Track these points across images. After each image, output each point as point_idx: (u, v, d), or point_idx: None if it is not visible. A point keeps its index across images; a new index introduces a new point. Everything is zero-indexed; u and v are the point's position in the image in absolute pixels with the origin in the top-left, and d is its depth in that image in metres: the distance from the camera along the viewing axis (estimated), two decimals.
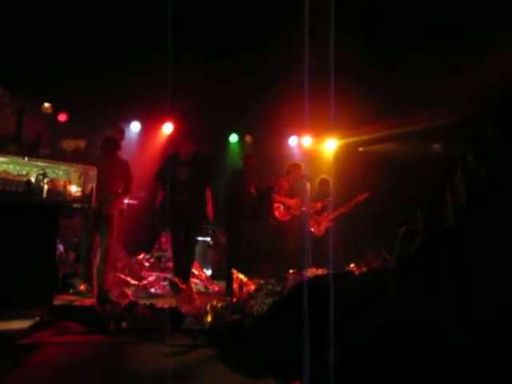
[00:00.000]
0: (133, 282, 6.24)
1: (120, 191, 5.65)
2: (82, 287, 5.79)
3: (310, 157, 8.98)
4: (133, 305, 4.31)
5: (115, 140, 5.76)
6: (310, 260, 6.13)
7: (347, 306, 3.26)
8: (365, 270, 4.45)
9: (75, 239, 6.67)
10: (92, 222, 5.46)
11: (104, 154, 5.62)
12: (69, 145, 4.97)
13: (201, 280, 6.92)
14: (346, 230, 7.66)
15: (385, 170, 8.03)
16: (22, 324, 3.69)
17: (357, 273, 4.20)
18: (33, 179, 4.20)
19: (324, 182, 7.57)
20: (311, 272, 4.28)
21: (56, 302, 4.50)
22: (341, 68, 4.27)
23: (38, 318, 3.79)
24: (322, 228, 7.31)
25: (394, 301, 3.15)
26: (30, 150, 4.43)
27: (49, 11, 6.15)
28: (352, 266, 5.79)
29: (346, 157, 8.99)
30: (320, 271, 4.30)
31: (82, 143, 5.01)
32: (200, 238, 7.98)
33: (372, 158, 8.79)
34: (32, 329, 3.65)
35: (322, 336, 3.18)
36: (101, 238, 5.48)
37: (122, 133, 5.88)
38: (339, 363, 2.61)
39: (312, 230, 7.19)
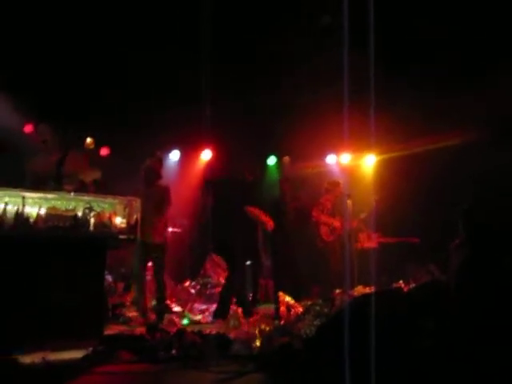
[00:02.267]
0: (179, 309, 6.29)
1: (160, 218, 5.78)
2: (130, 316, 5.91)
3: (350, 174, 8.89)
4: (181, 332, 4.34)
5: (155, 170, 5.89)
6: (355, 279, 6.05)
7: (397, 324, 3.20)
8: (413, 285, 4.36)
9: (122, 270, 6.82)
10: (142, 252, 5.59)
11: (146, 185, 5.76)
12: (87, 176, 5.15)
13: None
14: (390, 247, 7.51)
15: (425, 185, 7.86)
16: (75, 354, 3.78)
17: (406, 289, 4.12)
18: (79, 213, 4.35)
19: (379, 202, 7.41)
20: (358, 291, 4.22)
21: (107, 332, 4.59)
22: (379, 83, 4.27)
23: (90, 349, 3.88)
24: (370, 246, 7.18)
25: (451, 313, 3.07)
26: (56, 185, 4.64)
27: (85, 45, 6.41)
28: (400, 282, 5.69)
29: (386, 172, 8.85)
30: (367, 289, 4.23)
31: (98, 174, 5.20)
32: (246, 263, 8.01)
33: (412, 173, 8.63)
34: (85, 359, 3.74)
35: (373, 357, 3.12)
36: (155, 266, 5.59)
37: (160, 161, 6.02)
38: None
39: (362, 242, 7.08)
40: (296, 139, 8.38)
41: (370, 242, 7.20)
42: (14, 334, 3.72)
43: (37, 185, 4.68)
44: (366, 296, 3.76)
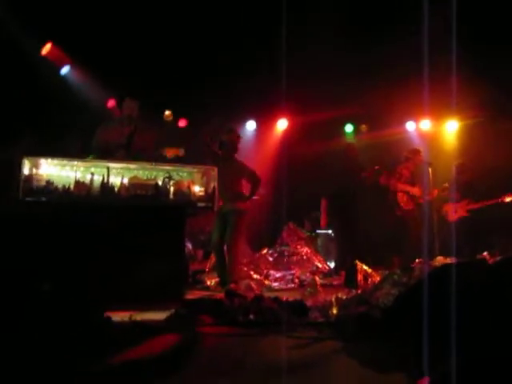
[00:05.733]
0: (257, 276, 6.39)
1: (246, 192, 5.88)
2: (208, 282, 6.09)
3: (430, 141, 8.50)
4: (259, 298, 4.40)
5: (233, 143, 5.96)
6: (436, 249, 5.84)
7: (481, 297, 3.05)
8: (499, 258, 4.13)
9: (202, 237, 7.00)
10: (222, 219, 5.72)
11: (222, 157, 5.85)
12: (169, 152, 5.29)
13: (325, 273, 6.91)
14: (477, 220, 7.12)
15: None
16: (159, 316, 3.96)
17: (490, 261, 3.91)
18: (160, 182, 4.49)
19: (463, 168, 7.07)
20: (439, 261, 4.06)
21: (188, 297, 4.76)
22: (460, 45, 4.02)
23: (173, 311, 4.05)
24: (457, 216, 6.86)
25: None
26: (136, 157, 4.82)
27: (162, 23, 6.52)
28: (485, 254, 5.41)
29: (471, 138, 8.38)
30: (448, 260, 4.06)
31: (181, 151, 5.32)
32: (321, 231, 7.99)
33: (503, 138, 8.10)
34: (168, 320, 3.91)
35: (453, 329, 3.01)
36: (228, 232, 5.71)
37: (237, 135, 6.09)
38: (472, 360, 2.46)
39: (447, 215, 6.80)
40: (373, 106, 8.15)
41: (458, 212, 6.86)
42: (107, 294, 3.93)
43: (107, 153, 4.88)
44: (446, 266, 3.60)
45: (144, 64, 6.97)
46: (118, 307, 3.89)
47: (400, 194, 6.75)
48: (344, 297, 4.55)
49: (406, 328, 3.28)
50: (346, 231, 6.61)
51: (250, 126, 9.26)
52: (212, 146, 5.82)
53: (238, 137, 6.10)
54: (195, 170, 4.70)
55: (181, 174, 4.62)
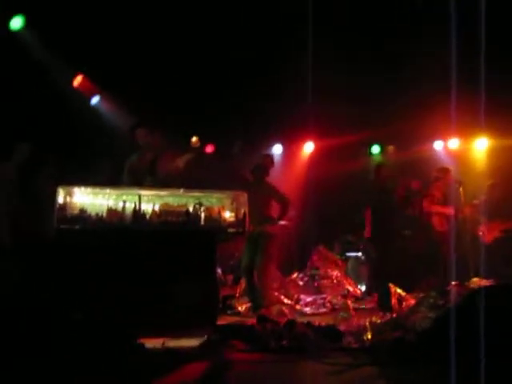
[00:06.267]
0: (288, 301, 6.34)
1: (276, 215, 5.90)
2: (239, 308, 6.06)
3: (459, 160, 8.37)
4: (292, 323, 4.36)
5: (265, 167, 6.06)
6: (471, 271, 5.70)
7: None
8: None
9: (231, 262, 6.99)
10: (252, 243, 5.74)
11: (254, 181, 5.91)
12: (180, 161, 5.41)
13: (356, 297, 6.80)
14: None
15: None
16: (192, 342, 3.95)
17: None
18: (191, 209, 4.52)
19: (495, 187, 6.91)
20: (475, 283, 3.96)
21: (219, 322, 4.74)
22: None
23: (205, 337, 4.03)
24: (491, 236, 6.69)
25: None
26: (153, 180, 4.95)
27: (185, 48, 6.66)
28: None
29: (502, 156, 8.22)
30: (486, 282, 3.96)
31: (189, 156, 5.43)
32: (352, 254, 7.90)
33: None
34: (201, 346, 3.90)
35: (495, 353, 2.93)
36: (259, 257, 5.71)
37: (271, 160, 6.23)
38: None
39: (483, 235, 6.64)
40: (400, 127, 8.10)
41: (491, 232, 6.68)
42: (139, 321, 3.96)
43: (135, 181, 5.02)
44: (485, 289, 3.52)
45: (169, 90, 7.11)
46: (151, 334, 3.90)
47: (434, 216, 6.63)
48: (378, 321, 4.49)
49: (443, 352, 3.21)
50: (385, 246, 6.50)
51: (277, 149, 9.31)
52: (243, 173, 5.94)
53: (272, 162, 6.21)
54: (224, 196, 4.73)
55: (211, 200, 4.65)
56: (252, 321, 4.97)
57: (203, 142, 8.84)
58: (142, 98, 6.89)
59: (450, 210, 6.61)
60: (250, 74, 7.14)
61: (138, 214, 4.41)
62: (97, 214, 4.35)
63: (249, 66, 6.95)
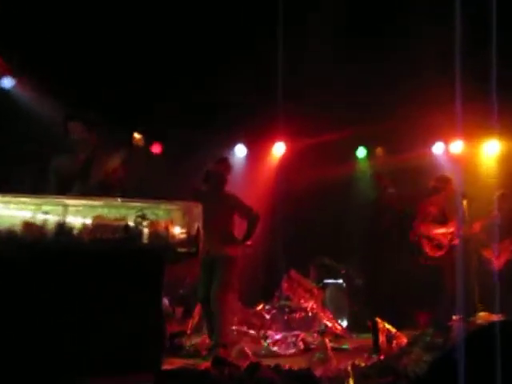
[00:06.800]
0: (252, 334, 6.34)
1: (240, 234, 5.90)
2: (191, 348, 6.00)
3: (464, 166, 8.51)
4: (255, 367, 4.35)
5: (221, 174, 6.00)
6: (476, 303, 5.80)
7: None
8: None
9: (181, 291, 6.92)
10: (208, 269, 5.74)
11: (207, 192, 5.87)
12: (112, 164, 5.33)
13: (336, 334, 6.83)
14: None
15: None
16: None
17: None
18: (131, 223, 4.43)
19: (505, 199, 7.01)
20: (483, 318, 4.03)
21: (164, 367, 4.65)
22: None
23: None
24: (503, 260, 6.77)
25: None
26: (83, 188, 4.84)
27: (136, 35, 6.62)
28: None
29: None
30: (494, 317, 4.03)
31: (119, 156, 5.39)
32: (330, 281, 7.93)
33: None
34: None
35: None
36: (215, 285, 5.67)
37: (228, 166, 6.12)
38: None
39: (489, 262, 6.72)
40: (391, 125, 8.19)
41: (502, 255, 6.77)
42: (60, 364, 3.83)
43: (62, 188, 4.87)
44: (495, 326, 3.56)
45: (112, 81, 7.04)
46: (75, 379, 3.78)
47: (423, 240, 6.71)
48: (362, 364, 4.52)
49: None
50: (376, 272, 6.58)
51: (240, 151, 9.29)
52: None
53: (228, 167, 6.11)
54: (174, 208, 4.65)
55: (156, 212, 4.55)
56: (206, 364, 4.92)
57: (149, 139, 8.77)
58: (75, 84, 6.79)
59: (449, 228, 6.70)
60: (208, 62, 7.13)
61: (62, 229, 4.30)
62: (6, 230, 4.20)
63: (202, 50, 6.93)
